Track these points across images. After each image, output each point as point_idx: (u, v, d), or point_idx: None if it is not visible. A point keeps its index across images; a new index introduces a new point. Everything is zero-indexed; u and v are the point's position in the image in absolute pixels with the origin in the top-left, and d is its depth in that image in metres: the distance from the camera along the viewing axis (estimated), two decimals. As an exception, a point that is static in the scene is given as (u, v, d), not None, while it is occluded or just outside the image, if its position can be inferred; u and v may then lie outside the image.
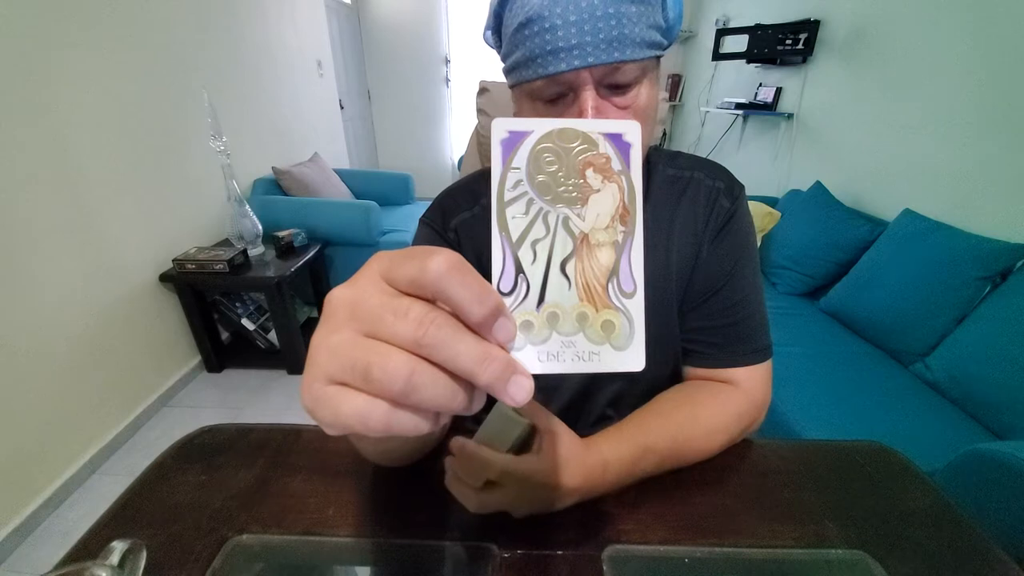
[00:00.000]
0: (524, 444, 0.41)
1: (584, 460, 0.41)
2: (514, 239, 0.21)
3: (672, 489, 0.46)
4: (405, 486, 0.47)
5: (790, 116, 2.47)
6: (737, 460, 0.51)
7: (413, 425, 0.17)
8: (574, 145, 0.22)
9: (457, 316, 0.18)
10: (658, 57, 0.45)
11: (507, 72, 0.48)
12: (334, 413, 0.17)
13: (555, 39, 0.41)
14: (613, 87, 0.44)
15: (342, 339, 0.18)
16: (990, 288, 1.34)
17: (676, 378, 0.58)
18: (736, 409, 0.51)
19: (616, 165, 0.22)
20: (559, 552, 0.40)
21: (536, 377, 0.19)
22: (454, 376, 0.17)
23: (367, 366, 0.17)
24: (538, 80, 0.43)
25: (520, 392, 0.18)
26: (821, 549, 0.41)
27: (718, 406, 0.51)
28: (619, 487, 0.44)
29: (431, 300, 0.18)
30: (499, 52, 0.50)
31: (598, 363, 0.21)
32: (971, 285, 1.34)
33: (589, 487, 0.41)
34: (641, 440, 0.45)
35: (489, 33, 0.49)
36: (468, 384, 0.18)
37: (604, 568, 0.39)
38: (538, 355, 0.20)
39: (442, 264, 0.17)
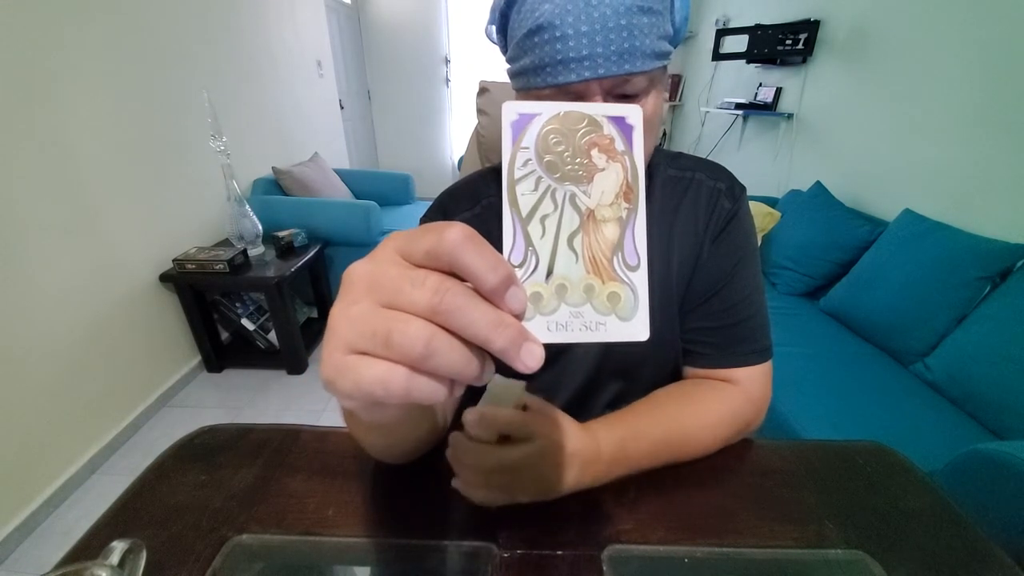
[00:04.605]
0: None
1: (581, 439, 0.42)
2: (524, 214, 0.22)
3: (672, 489, 0.46)
4: (405, 486, 0.47)
5: (790, 116, 2.47)
6: (737, 460, 0.51)
7: (431, 391, 0.18)
8: (580, 127, 0.23)
9: (471, 287, 0.18)
10: (665, 66, 0.45)
11: (513, 75, 0.48)
12: (355, 381, 0.18)
13: (566, 49, 0.41)
14: (621, 97, 0.44)
15: (362, 309, 0.18)
16: (990, 288, 1.34)
17: (676, 379, 0.58)
18: (731, 405, 0.51)
19: (620, 146, 0.23)
20: (559, 552, 0.40)
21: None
22: (468, 344, 0.18)
23: (388, 332, 0.17)
24: (547, 89, 0.43)
25: (532, 359, 0.19)
26: (821, 549, 0.41)
27: (713, 400, 0.51)
28: (617, 474, 0.44)
29: (446, 272, 0.19)
30: (502, 50, 0.50)
31: (604, 332, 0.21)
32: (971, 285, 1.34)
33: (587, 467, 0.42)
34: (632, 422, 0.46)
35: (492, 28, 0.49)
36: (481, 352, 0.19)
37: (604, 568, 0.39)
38: (547, 325, 0.21)
39: (459, 234, 0.18)
